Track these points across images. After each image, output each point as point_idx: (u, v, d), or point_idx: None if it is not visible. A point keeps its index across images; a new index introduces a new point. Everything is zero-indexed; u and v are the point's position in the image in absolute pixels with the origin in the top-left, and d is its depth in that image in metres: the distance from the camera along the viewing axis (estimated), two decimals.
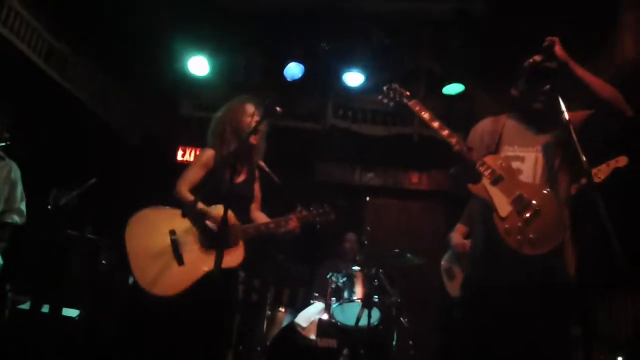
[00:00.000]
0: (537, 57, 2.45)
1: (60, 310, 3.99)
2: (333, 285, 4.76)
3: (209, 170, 3.23)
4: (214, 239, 2.99)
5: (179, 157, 7.41)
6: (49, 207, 4.27)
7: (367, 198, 6.20)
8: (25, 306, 3.98)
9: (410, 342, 4.97)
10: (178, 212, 3.05)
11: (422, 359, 5.24)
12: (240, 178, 3.32)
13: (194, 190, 3.15)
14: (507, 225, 2.37)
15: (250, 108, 3.36)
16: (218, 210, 3.00)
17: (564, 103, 2.34)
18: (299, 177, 6.26)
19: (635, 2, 4.24)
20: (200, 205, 3.01)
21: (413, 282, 5.54)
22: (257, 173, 3.45)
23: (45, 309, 3.94)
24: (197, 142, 7.07)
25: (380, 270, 4.83)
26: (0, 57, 5.11)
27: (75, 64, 5.97)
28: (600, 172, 3.41)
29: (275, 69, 5.96)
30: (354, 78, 5.96)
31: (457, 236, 4.31)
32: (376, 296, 4.55)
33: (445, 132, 2.55)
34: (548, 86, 2.46)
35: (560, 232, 2.38)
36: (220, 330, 3.18)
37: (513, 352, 2.39)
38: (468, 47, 5.48)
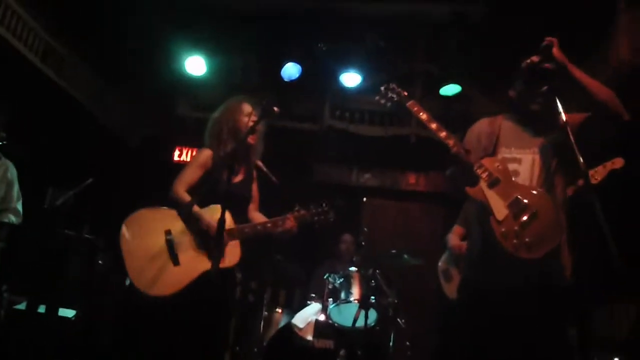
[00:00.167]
0: (535, 58, 2.45)
1: (57, 311, 3.97)
2: (330, 286, 4.76)
3: (206, 170, 3.23)
4: (210, 240, 2.99)
5: (176, 157, 7.40)
6: (46, 207, 4.26)
7: (364, 199, 6.21)
8: (22, 306, 3.97)
9: (408, 343, 4.97)
10: (174, 212, 3.06)
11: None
12: (238, 178, 3.32)
13: (191, 190, 3.15)
14: (503, 229, 2.37)
15: (247, 108, 3.36)
16: (213, 214, 2.99)
17: (561, 105, 2.34)
18: (296, 177, 6.25)
19: (631, 4, 4.25)
20: (196, 208, 3.02)
21: (410, 283, 5.55)
22: (254, 173, 3.45)
23: (42, 309, 3.92)
24: (194, 142, 7.06)
25: (377, 271, 4.83)
26: None
27: (72, 64, 5.96)
28: (597, 174, 3.42)
29: (273, 69, 5.95)
30: (351, 79, 5.96)
31: (454, 238, 4.32)
32: (373, 297, 4.55)
33: (443, 134, 2.55)
34: (545, 87, 2.46)
35: (556, 235, 2.37)
36: (216, 331, 3.18)
37: (510, 355, 2.39)
38: (465, 48, 5.48)
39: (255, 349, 4.87)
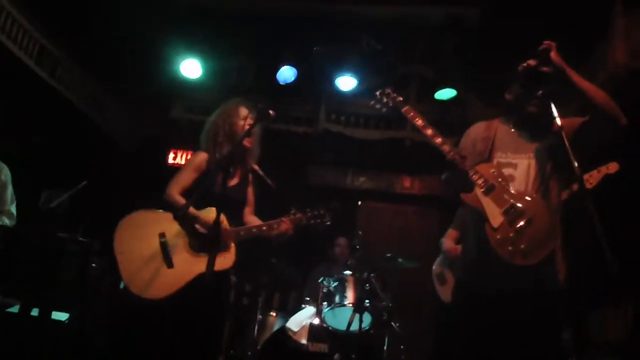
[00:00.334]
0: (532, 62, 2.45)
1: (50, 314, 3.95)
2: (324, 290, 4.75)
3: (201, 173, 3.23)
4: (205, 242, 2.99)
5: (170, 160, 7.39)
6: (40, 209, 4.24)
7: (360, 202, 6.21)
8: (14, 309, 3.94)
9: (402, 347, 4.96)
10: (168, 215, 3.05)
11: None
12: (234, 181, 3.32)
13: (185, 193, 3.15)
14: (499, 236, 2.38)
15: (243, 111, 3.36)
16: (209, 214, 2.99)
17: (558, 108, 2.34)
18: (292, 180, 6.25)
19: (627, 7, 4.26)
20: (192, 209, 3.01)
21: (406, 287, 5.54)
22: (250, 176, 3.44)
23: (35, 312, 3.90)
24: (188, 145, 7.06)
25: (372, 274, 4.82)
26: None
27: (67, 66, 5.95)
28: (592, 178, 3.43)
29: (269, 72, 5.95)
30: (346, 82, 5.97)
31: (448, 241, 4.32)
32: (367, 300, 4.54)
33: (439, 140, 2.55)
34: (542, 91, 2.46)
35: (551, 242, 2.38)
36: (210, 334, 3.16)
37: (505, 358, 2.40)
38: (461, 52, 5.50)
39: (249, 353, 4.86)
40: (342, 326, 4.45)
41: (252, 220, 3.37)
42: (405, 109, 2.72)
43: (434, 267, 4.59)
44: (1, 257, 3.76)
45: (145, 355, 3.17)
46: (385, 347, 4.71)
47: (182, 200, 3.09)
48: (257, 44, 6.00)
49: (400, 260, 4.83)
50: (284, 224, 3.18)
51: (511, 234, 2.36)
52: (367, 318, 4.48)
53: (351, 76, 5.93)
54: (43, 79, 5.61)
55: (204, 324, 3.04)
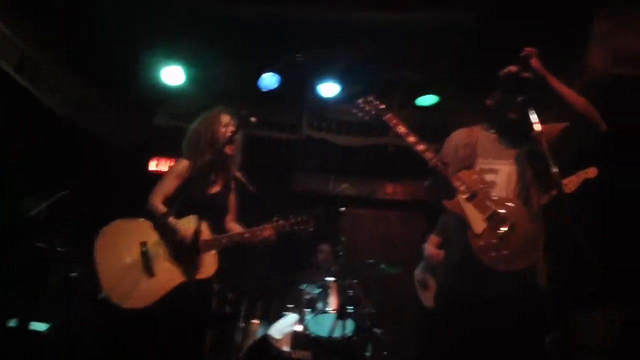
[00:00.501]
0: (513, 68, 2.48)
1: (29, 325, 3.89)
2: (307, 296, 4.74)
3: (183, 181, 3.21)
4: (185, 251, 2.97)
5: (152, 168, 7.33)
6: (20, 218, 4.18)
7: (343, 208, 6.20)
8: None
9: (385, 353, 4.96)
10: (149, 223, 3.03)
11: None
12: (216, 189, 3.31)
13: (168, 201, 3.13)
14: (481, 242, 2.39)
15: (225, 118, 3.35)
16: (189, 223, 2.97)
17: (538, 114, 2.37)
18: (275, 187, 6.23)
19: (605, 16, 4.33)
20: (171, 220, 3.00)
21: (390, 293, 5.55)
22: (233, 184, 3.43)
23: (13, 323, 3.84)
24: (170, 152, 7.00)
25: (355, 281, 4.83)
26: None
27: (48, 72, 5.87)
28: (571, 183, 3.47)
29: (251, 79, 5.94)
30: (329, 89, 5.97)
31: (430, 247, 4.33)
32: (350, 307, 4.54)
33: (421, 147, 2.56)
34: (522, 97, 2.48)
35: (534, 247, 2.41)
36: (193, 343, 3.15)
37: None
38: (444, 58, 5.53)
39: None
40: (325, 333, 4.45)
41: (234, 227, 3.35)
42: (387, 116, 2.73)
43: (416, 273, 4.60)
44: None
45: None
46: (368, 354, 4.71)
47: (163, 209, 3.08)
48: (240, 51, 5.98)
49: (383, 266, 4.84)
50: (267, 231, 3.17)
51: (494, 240, 2.37)
52: (350, 324, 4.48)
53: (334, 82, 5.94)
54: (24, 85, 5.53)
55: (186, 332, 3.01)
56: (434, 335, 2.72)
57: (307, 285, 4.80)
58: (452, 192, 2.53)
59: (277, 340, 4.63)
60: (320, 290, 4.70)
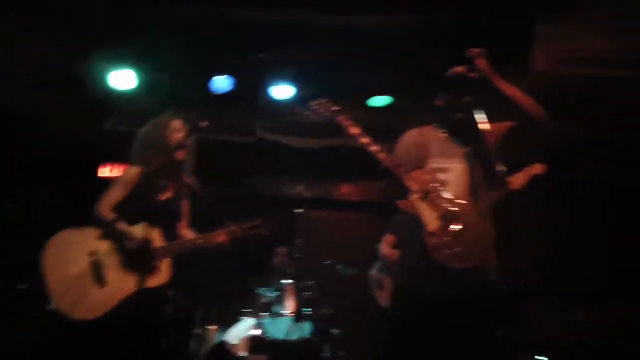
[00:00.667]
0: (461, 68, 2.52)
1: None
2: (264, 300, 4.72)
3: (133, 187, 3.13)
4: (137, 259, 2.90)
5: (104, 174, 7.14)
6: None
7: (298, 210, 6.20)
8: None
9: (342, 353, 4.98)
10: (100, 232, 2.94)
11: None
12: (167, 195, 3.24)
13: (118, 209, 3.05)
14: (435, 241, 2.42)
15: (176, 123, 3.27)
16: (140, 230, 2.91)
17: (486, 113, 2.42)
18: (229, 191, 6.17)
19: (546, 19, 4.47)
20: (121, 225, 2.94)
21: (346, 293, 5.56)
22: (185, 190, 3.37)
23: None
24: (122, 158, 6.83)
25: (311, 282, 4.83)
26: None
27: None
28: (519, 180, 3.55)
29: (203, 82, 5.86)
30: (282, 91, 5.96)
31: (385, 247, 4.35)
32: (307, 309, 4.54)
33: (374, 148, 2.59)
34: (470, 97, 2.53)
35: (486, 243, 2.45)
36: (148, 352, 3.08)
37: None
38: (394, 60, 5.59)
39: None
40: (282, 336, 4.44)
41: (187, 233, 3.30)
42: (340, 118, 2.74)
43: (372, 273, 4.63)
44: None
45: None
46: (326, 354, 4.71)
47: (112, 217, 3.00)
48: (192, 54, 5.90)
49: (339, 267, 4.86)
50: (220, 236, 3.14)
51: (448, 238, 2.41)
52: (307, 326, 4.49)
53: (288, 84, 5.92)
54: None
55: (140, 341, 2.96)
56: (390, 335, 2.74)
57: (263, 289, 4.77)
58: (405, 192, 2.55)
59: (234, 346, 4.59)
60: (276, 293, 4.68)
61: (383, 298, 4.43)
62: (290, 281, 4.76)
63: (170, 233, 3.12)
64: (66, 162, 6.89)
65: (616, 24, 4.32)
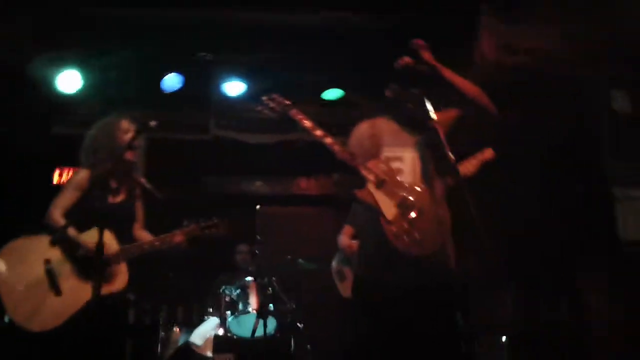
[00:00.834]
0: (406, 60, 2.56)
1: None
2: (227, 299, 4.70)
3: (83, 192, 3.06)
4: (90, 266, 2.84)
5: (56, 179, 6.95)
6: None
7: (257, 207, 6.18)
8: None
9: (309, 347, 5.01)
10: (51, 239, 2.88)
11: None
12: (119, 197, 3.19)
13: (69, 214, 2.98)
14: (394, 229, 2.45)
15: (124, 124, 3.21)
16: (92, 236, 2.85)
17: (434, 102, 2.47)
18: (186, 190, 6.10)
19: (491, 10, 4.58)
20: (72, 231, 2.88)
21: (310, 288, 5.58)
22: (138, 191, 3.32)
23: None
24: (73, 162, 6.65)
25: (274, 278, 4.83)
26: None
27: None
28: (470, 166, 3.63)
29: (153, 81, 5.77)
30: (235, 87, 5.92)
31: (344, 238, 4.40)
32: (271, 305, 4.55)
33: (328, 140, 2.60)
34: (418, 87, 2.56)
35: (441, 230, 2.50)
36: (113, 358, 3.05)
37: (406, 346, 2.48)
38: (345, 52, 5.63)
39: None
40: (248, 333, 4.43)
41: (142, 235, 3.25)
42: (292, 112, 2.75)
43: (333, 265, 4.66)
44: None
45: None
46: (292, 350, 4.73)
47: (62, 222, 2.93)
48: (140, 53, 5.80)
49: (301, 261, 4.88)
50: (177, 237, 3.12)
51: (405, 225, 2.45)
52: (272, 322, 4.49)
53: (239, 80, 5.89)
54: None
55: (103, 349, 2.90)
56: (353, 325, 2.77)
57: (226, 287, 4.75)
58: (361, 182, 2.58)
59: (199, 347, 4.55)
60: (239, 291, 4.67)
61: (344, 289, 4.48)
62: (253, 278, 4.75)
63: (125, 236, 3.07)
64: (15, 168, 6.69)
65: (561, 14, 4.46)
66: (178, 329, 5.03)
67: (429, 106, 2.44)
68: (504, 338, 4.84)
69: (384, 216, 2.49)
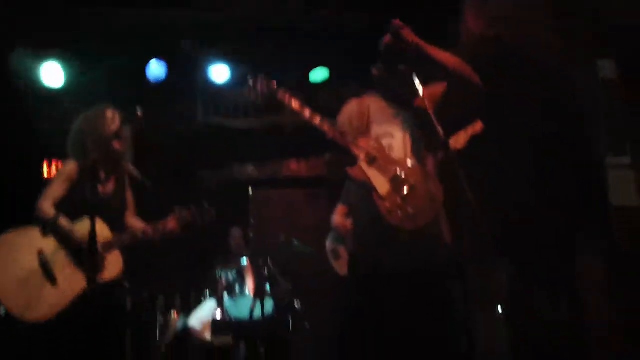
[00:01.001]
0: (389, 39, 2.56)
1: None
2: (223, 282, 4.73)
3: (73, 183, 3.07)
4: (84, 256, 2.86)
5: (46, 172, 6.91)
6: None
7: (249, 191, 6.19)
8: None
9: (307, 326, 5.05)
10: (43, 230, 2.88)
11: (320, 342, 5.34)
12: (109, 187, 3.19)
13: (59, 206, 2.99)
14: (387, 204, 2.47)
15: (109, 114, 3.18)
16: (84, 225, 2.86)
17: (419, 79, 2.47)
18: (177, 177, 6.10)
19: None
20: (63, 221, 2.89)
21: (305, 269, 5.62)
22: (127, 179, 3.32)
23: None
24: (62, 154, 6.61)
25: (269, 260, 4.86)
26: None
27: None
28: (460, 139, 3.64)
29: (138, 71, 5.74)
30: (220, 73, 5.90)
31: (338, 217, 4.40)
32: (268, 286, 4.58)
33: (317, 120, 2.60)
34: (403, 65, 2.55)
35: (434, 204, 2.52)
36: (111, 347, 3.06)
37: (403, 322, 2.50)
38: (331, 32, 5.61)
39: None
40: (246, 315, 4.46)
41: (135, 224, 3.27)
42: (279, 93, 2.73)
43: (327, 244, 4.68)
44: None
45: None
46: (290, 329, 4.77)
47: (52, 213, 2.94)
48: (124, 43, 5.76)
49: (295, 243, 4.90)
50: (170, 224, 3.14)
51: (399, 200, 2.46)
52: (269, 303, 4.52)
53: (224, 66, 5.87)
54: None
55: (102, 338, 2.93)
56: (350, 303, 2.79)
57: (222, 271, 4.77)
58: (353, 160, 2.59)
59: (198, 331, 4.59)
60: (235, 274, 4.69)
61: (340, 267, 4.50)
62: (249, 261, 4.78)
63: (117, 225, 3.09)
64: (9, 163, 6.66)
65: None
66: (176, 314, 5.06)
67: (416, 82, 2.45)
68: (500, 309, 4.90)
69: (377, 192, 2.50)
